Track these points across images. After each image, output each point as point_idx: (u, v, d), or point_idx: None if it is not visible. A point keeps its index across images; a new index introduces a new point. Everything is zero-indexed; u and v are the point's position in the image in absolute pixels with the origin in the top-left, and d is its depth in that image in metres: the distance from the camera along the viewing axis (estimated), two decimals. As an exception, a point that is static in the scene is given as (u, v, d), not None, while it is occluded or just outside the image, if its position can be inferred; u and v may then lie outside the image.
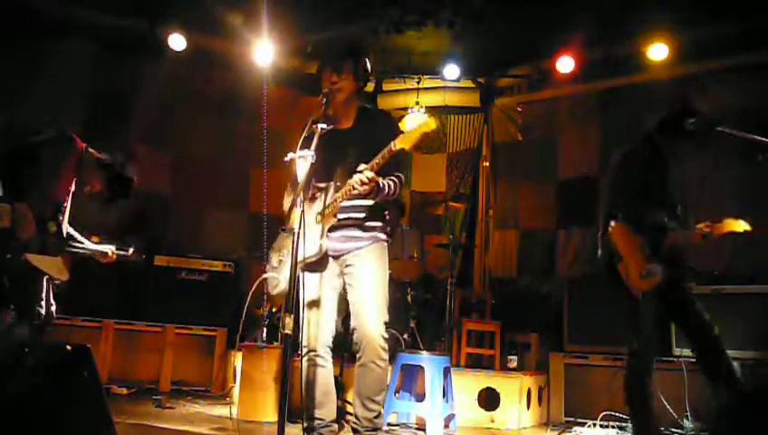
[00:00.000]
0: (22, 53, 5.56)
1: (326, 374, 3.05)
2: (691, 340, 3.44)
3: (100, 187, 3.73)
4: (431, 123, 2.81)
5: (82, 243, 3.76)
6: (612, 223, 3.29)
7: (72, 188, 3.69)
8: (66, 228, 3.71)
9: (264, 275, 3.12)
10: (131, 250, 3.97)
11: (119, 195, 3.76)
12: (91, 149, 3.68)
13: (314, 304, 3.04)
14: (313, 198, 3.03)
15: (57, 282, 3.63)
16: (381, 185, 2.91)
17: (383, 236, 3.11)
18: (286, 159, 2.86)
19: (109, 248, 3.85)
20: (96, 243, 5.46)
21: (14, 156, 3.44)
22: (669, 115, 3.43)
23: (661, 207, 3.35)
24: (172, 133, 6.48)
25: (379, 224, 3.09)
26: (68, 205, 3.69)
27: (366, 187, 2.81)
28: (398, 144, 2.78)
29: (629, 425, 3.51)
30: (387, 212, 3.15)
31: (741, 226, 3.36)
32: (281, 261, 3.09)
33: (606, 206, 3.44)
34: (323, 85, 3.04)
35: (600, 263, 3.47)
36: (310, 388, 3.01)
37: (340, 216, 3.01)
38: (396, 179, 3.01)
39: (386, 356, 2.98)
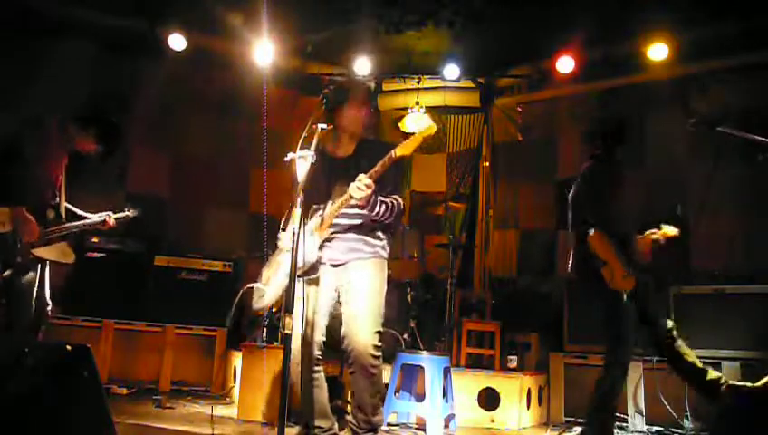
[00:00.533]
0: (22, 53, 5.56)
1: (320, 384, 3.11)
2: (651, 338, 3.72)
3: (94, 145, 3.76)
4: (430, 129, 2.82)
5: (82, 217, 3.79)
6: (591, 231, 3.52)
7: (65, 161, 3.71)
8: (64, 206, 3.74)
9: (250, 285, 3.15)
10: (129, 211, 4.00)
11: (113, 141, 3.80)
12: (69, 119, 3.71)
13: (308, 312, 3.06)
14: (311, 217, 3.05)
15: (65, 262, 3.69)
16: (378, 200, 2.92)
17: (384, 254, 3.15)
18: (286, 159, 2.87)
19: (106, 214, 3.89)
20: (96, 243, 5.50)
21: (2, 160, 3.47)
22: (617, 126, 3.80)
23: (626, 214, 3.66)
24: (172, 133, 6.49)
25: (381, 242, 3.14)
26: (62, 182, 3.71)
27: (363, 194, 2.80)
28: (398, 151, 2.80)
29: (589, 426, 3.60)
30: (387, 235, 3.19)
31: (671, 231, 3.68)
32: (269, 278, 3.13)
33: (579, 214, 3.68)
34: (341, 119, 3.06)
35: (574, 267, 3.71)
36: (308, 398, 3.04)
37: (344, 230, 3.05)
38: (393, 202, 3.02)
39: (377, 362, 3.00)
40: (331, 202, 3.02)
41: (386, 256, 3.16)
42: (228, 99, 6.54)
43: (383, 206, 2.94)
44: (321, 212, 3.04)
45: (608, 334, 3.57)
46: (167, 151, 6.49)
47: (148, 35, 5.97)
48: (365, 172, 2.85)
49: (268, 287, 3.09)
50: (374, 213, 2.94)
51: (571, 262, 3.77)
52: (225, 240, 6.40)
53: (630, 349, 3.56)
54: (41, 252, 3.55)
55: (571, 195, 3.81)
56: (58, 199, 3.72)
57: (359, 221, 3.05)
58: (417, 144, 2.80)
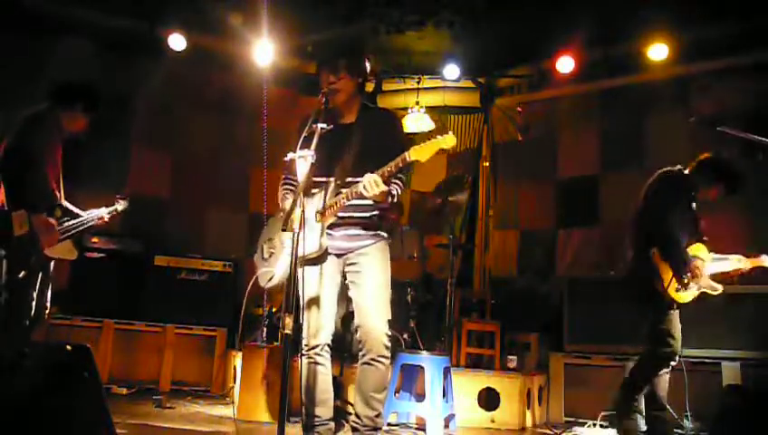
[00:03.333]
0: (22, 53, 5.56)
1: (325, 373, 3.05)
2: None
3: (83, 119, 3.80)
4: (450, 141, 2.77)
5: (78, 215, 3.81)
6: (655, 249, 3.70)
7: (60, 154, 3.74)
8: (63, 202, 3.76)
9: (260, 272, 3.12)
10: (118, 204, 4.02)
11: (97, 104, 3.84)
12: (54, 103, 3.72)
13: (314, 301, 3.02)
14: (311, 194, 3.00)
15: (67, 257, 3.72)
16: (389, 191, 2.91)
17: (385, 236, 3.12)
18: (286, 159, 2.86)
19: (102, 212, 3.92)
20: (96, 243, 5.50)
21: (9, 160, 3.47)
22: (712, 162, 3.87)
23: (688, 237, 3.83)
24: (172, 133, 6.49)
25: (382, 224, 3.11)
26: (61, 177, 3.73)
27: (375, 192, 2.78)
28: (412, 156, 2.76)
29: (618, 424, 3.78)
30: (388, 212, 3.16)
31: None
32: (272, 253, 3.08)
33: (645, 231, 3.80)
34: (322, 86, 3.02)
35: (638, 280, 3.82)
36: (309, 386, 3.00)
37: (345, 214, 3.00)
38: (399, 182, 3.01)
39: (388, 354, 2.98)
40: (333, 180, 2.95)
41: (386, 236, 3.12)
42: (228, 99, 6.54)
43: (391, 192, 2.94)
44: (322, 193, 2.99)
45: (652, 335, 3.75)
46: (167, 151, 6.49)
47: (148, 35, 5.97)
48: (368, 142, 2.88)
49: (276, 268, 3.03)
50: (384, 200, 2.95)
51: (639, 273, 3.84)
52: (225, 240, 6.41)
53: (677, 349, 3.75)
54: (50, 251, 3.59)
55: (641, 210, 3.89)
56: (60, 197, 3.73)
57: (363, 206, 3.02)
58: (433, 153, 2.76)
